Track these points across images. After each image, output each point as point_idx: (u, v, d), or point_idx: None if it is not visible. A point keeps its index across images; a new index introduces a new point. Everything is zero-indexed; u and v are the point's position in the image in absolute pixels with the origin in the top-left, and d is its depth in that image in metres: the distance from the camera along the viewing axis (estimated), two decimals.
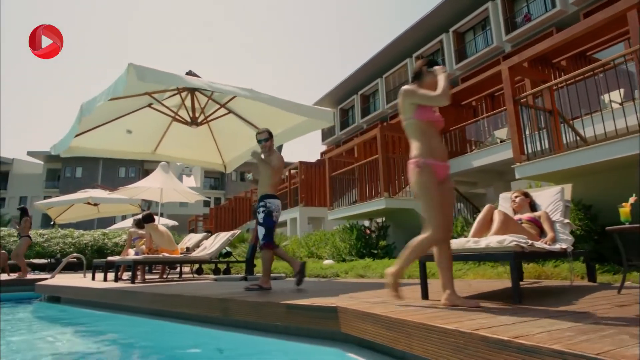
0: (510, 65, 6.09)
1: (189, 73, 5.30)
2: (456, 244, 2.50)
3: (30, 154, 43.19)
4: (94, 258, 12.89)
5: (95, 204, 12.43)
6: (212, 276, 6.57)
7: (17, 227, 9.42)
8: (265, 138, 4.44)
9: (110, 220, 35.09)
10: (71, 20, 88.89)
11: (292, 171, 16.21)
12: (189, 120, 5.39)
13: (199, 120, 5.40)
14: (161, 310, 3.73)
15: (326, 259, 9.59)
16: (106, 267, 6.24)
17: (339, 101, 33.32)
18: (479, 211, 9.18)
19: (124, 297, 4.19)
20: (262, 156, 4.47)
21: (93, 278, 6.53)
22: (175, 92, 5.26)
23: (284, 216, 16.25)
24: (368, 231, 9.48)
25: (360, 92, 31.81)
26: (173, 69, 4.09)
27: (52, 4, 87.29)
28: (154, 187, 9.45)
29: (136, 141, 6.00)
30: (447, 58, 23.84)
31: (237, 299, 2.92)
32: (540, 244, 2.63)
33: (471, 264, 5.91)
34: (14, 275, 9.86)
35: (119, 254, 14.12)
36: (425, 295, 2.54)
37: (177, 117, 5.45)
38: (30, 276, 9.44)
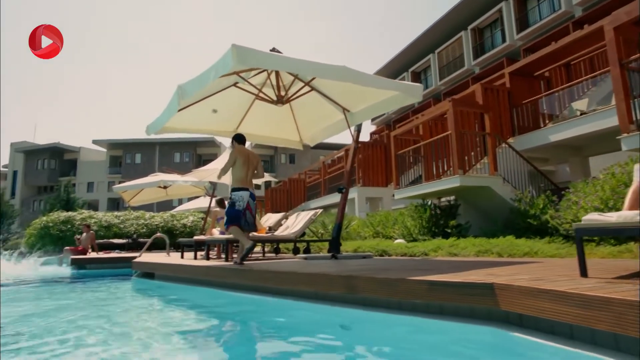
0: (616, 26, 5.51)
1: (273, 50, 5.24)
2: (623, 217, 2.26)
3: (95, 142, 46.04)
4: (164, 239, 13.53)
5: (165, 187, 12.95)
6: (295, 255, 6.65)
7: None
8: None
9: (168, 204, 36.90)
10: (134, 16, 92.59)
11: (345, 152, 16.06)
12: (274, 98, 5.35)
13: (284, 98, 5.35)
14: (271, 287, 3.76)
15: (396, 238, 9.46)
16: (196, 246, 6.49)
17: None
18: (560, 189, 8.60)
19: (230, 275, 4.29)
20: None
21: (182, 256, 6.82)
22: (262, 69, 5.23)
23: None
24: (437, 210, 9.23)
25: (411, 69, 30.79)
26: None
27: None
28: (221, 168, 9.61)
29: (220, 120, 6.11)
30: (507, 28, 22.40)
31: (364, 276, 2.86)
32: None
33: (559, 242, 5.56)
34: (102, 253, 10.60)
35: (188, 234, 14.79)
36: (584, 272, 2.33)
37: (262, 95, 5.44)
38: (114, 255, 10.11)
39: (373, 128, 35.07)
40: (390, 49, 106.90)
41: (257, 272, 3.85)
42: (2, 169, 53.55)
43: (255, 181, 5.42)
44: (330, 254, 5.49)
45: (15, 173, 48.47)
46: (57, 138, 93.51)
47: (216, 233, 6.64)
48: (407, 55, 29.94)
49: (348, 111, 6.05)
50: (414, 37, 28.16)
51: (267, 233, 6.34)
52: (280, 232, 6.38)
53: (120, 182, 47.32)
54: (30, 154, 47.85)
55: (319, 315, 3.18)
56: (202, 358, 2.37)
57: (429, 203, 9.64)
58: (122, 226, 14.37)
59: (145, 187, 12.81)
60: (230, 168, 5.05)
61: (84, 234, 11.10)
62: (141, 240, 12.91)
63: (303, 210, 16.50)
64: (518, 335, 2.11)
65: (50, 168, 47.73)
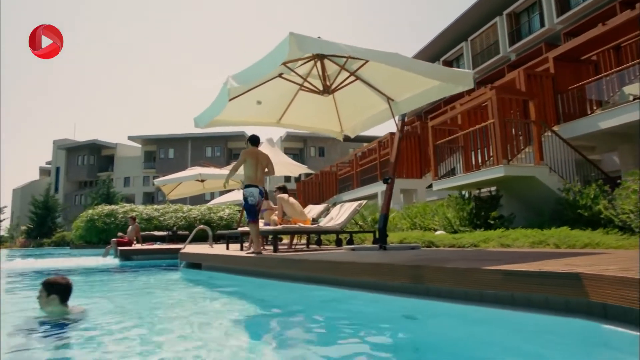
0: None
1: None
2: None
3: (130, 138, 47.51)
4: (202, 231, 13.80)
5: (202, 180, 13.18)
6: (338, 247, 6.65)
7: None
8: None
9: (200, 197, 37.72)
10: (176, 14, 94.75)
11: (378, 144, 15.87)
12: (320, 88, 5.33)
13: (331, 88, 5.32)
14: (326, 277, 3.76)
15: (436, 230, 9.31)
16: (242, 238, 6.59)
17: None
18: (611, 179, 8.19)
19: (284, 265, 4.32)
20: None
21: (227, 247, 6.95)
22: (309, 59, 5.20)
23: (374, 189, 16.08)
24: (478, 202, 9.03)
25: (442, 58, 30.05)
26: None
27: None
28: None
29: (264, 111, 6.15)
30: (547, 11, 21.46)
31: (433, 266, 2.81)
32: None
33: (614, 233, 5.29)
34: (145, 245, 10.95)
35: (224, 227, 15.08)
36: None
37: (307, 86, 5.42)
38: (159, 246, 10.42)
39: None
40: (422, 38, 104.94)
41: (313, 262, 3.86)
42: (45, 165, 56.24)
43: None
44: (377, 245, 5.45)
45: (57, 169, 50.75)
46: (95, 135, 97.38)
47: (261, 224, 6.71)
48: (439, 44, 29.22)
49: (392, 100, 5.96)
50: (446, 25, 27.42)
51: (312, 224, 6.35)
52: (324, 224, 6.38)
53: (154, 177, 48.62)
54: (71, 150, 49.92)
55: (380, 305, 3.16)
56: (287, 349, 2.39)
57: (467, 194, 9.43)
58: (161, 219, 14.82)
59: (183, 181, 13.12)
60: (241, 167, 5.61)
61: (130, 227, 11.49)
62: (180, 232, 13.26)
63: (335, 203, 16.53)
64: (609, 327, 2.02)
65: (90, 164, 49.69)
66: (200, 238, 11.88)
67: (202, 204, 18.26)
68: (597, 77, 10.26)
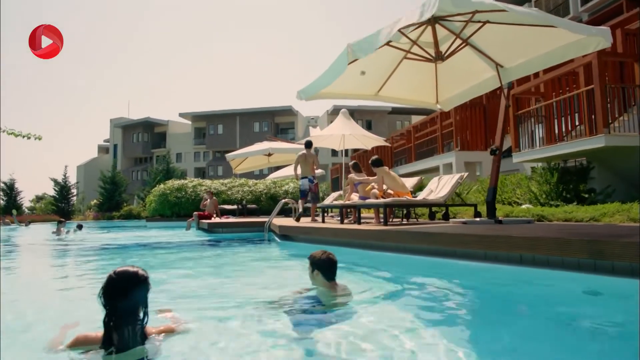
0: None
1: None
2: None
3: (181, 115, 48.88)
4: (268, 205, 14.10)
5: (270, 154, 13.34)
6: (431, 220, 6.52)
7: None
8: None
9: (250, 173, 38.41)
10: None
11: (440, 115, 15.29)
12: (432, 55, 5.09)
13: (445, 54, 5.07)
14: (465, 251, 3.68)
15: (520, 203, 8.97)
16: (341, 211, 6.64)
17: None
18: None
19: (414, 239, 4.24)
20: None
21: (323, 220, 7.03)
22: (420, 23, 4.91)
23: (435, 162, 15.61)
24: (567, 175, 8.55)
25: None
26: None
27: None
28: (336, 134, 9.65)
29: (364, 83, 5.96)
30: None
31: (621, 241, 2.64)
32: None
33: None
34: (223, 218, 11.34)
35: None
36: None
37: (418, 52, 5.20)
38: (244, 219, 10.72)
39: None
40: None
41: (454, 235, 3.78)
42: (103, 143, 59.33)
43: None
44: (492, 219, 5.28)
45: (115, 147, 53.36)
46: (147, 113, 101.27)
47: (355, 198, 6.71)
48: None
49: (501, 67, 5.62)
50: None
51: (413, 197, 6.25)
52: (424, 197, 6.26)
53: (204, 152, 49.74)
54: (127, 128, 52.16)
55: (548, 280, 3.04)
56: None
57: (551, 166, 8.94)
58: (229, 193, 15.22)
59: (252, 155, 13.36)
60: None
61: (208, 200, 11.90)
62: (249, 206, 13.60)
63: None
64: None
65: (144, 141, 51.81)
66: (267, 212, 12.07)
67: (253, 179, 18.56)
68: None
